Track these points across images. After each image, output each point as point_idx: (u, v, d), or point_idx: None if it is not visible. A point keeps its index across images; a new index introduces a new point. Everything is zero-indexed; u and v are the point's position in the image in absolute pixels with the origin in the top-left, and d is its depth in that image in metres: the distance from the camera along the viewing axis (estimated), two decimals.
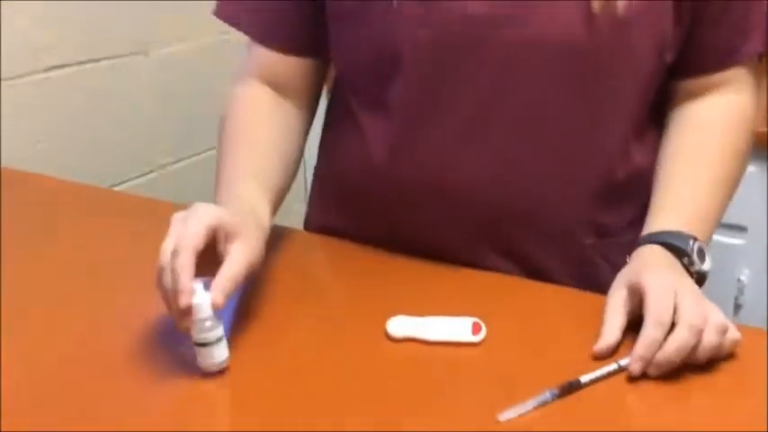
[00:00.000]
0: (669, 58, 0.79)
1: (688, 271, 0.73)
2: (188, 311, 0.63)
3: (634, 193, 0.84)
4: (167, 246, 0.65)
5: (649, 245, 0.75)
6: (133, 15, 1.52)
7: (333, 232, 0.93)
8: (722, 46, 0.80)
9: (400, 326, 0.72)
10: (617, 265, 0.76)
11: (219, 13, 0.90)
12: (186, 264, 0.63)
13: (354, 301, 0.80)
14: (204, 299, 0.64)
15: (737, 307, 1.58)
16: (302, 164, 0.93)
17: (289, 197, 0.89)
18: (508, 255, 0.85)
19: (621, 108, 0.80)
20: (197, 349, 0.66)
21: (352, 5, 0.80)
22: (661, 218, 0.78)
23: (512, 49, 0.75)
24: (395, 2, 0.76)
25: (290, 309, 0.77)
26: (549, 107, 0.78)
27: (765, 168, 1.44)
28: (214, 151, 0.88)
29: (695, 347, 0.64)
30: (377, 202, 0.87)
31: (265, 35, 0.88)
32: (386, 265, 0.85)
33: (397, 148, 0.83)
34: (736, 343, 0.67)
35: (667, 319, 0.64)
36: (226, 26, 0.90)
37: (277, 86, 0.89)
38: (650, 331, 0.64)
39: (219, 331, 0.66)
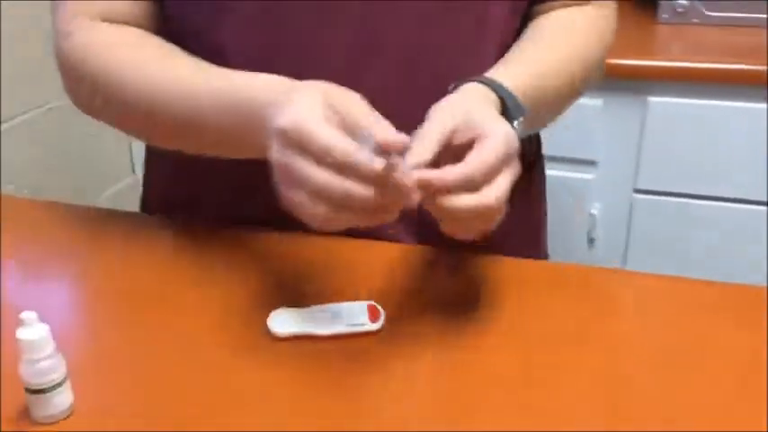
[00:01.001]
0: None
1: None
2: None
3: None
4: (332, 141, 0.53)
5: (484, 86, 0.66)
6: None
7: (180, 207, 0.80)
8: None
9: (284, 321, 0.61)
10: None
11: None
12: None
13: (224, 296, 0.66)
14: (40, 333, 0.49)
15: (591, 241, 1.59)
16: None
17: None
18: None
19: (492, 35, 0.75)
20: (28, 397, 0.51)
21: None
22: (501, 69, 0.70)
23: None
24: None
25: (142, 316, 0.63)
26: (422, 41, 0.72)
27: (612, 102, 1.45)
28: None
29: (472, 222, 0.56)
30: (232, 166, 0.74)
31: None
32: (258, 245, 0.72)
33: None
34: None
35: (481, 182, 0.55)
36: None
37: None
38: (465, 175, 0.55)
39: (61, 373, 0.51)
